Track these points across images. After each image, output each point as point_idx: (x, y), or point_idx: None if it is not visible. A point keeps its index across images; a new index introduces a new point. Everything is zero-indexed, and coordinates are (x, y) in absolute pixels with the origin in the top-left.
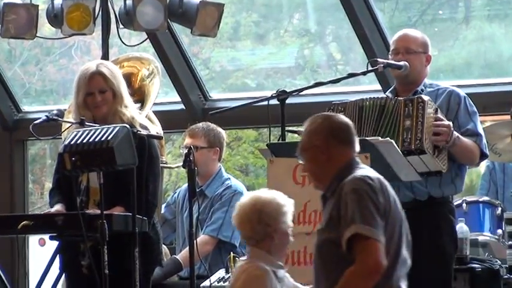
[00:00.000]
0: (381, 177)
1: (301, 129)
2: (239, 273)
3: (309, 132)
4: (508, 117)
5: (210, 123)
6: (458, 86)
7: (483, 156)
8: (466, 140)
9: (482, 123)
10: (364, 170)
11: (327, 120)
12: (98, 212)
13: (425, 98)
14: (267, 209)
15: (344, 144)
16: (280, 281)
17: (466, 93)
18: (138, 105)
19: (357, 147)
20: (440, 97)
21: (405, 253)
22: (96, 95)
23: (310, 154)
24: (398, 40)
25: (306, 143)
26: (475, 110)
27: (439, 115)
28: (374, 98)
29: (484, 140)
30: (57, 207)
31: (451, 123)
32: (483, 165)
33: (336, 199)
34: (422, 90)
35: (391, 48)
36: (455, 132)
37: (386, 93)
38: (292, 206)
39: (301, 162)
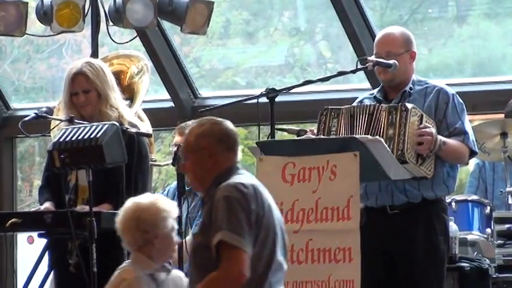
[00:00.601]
0: (257, 184)
1: (292, 127)
2: (113, 277)
3: (197, 135)
4: (501, 116)
5: None
6: (450, 85)
7: (472, 153)
8: (452, 143)
9: (471, 122)
10: (241, 177)
11: (217, 126)
12: (87, 209)
13: (409, 106)
14: (145, 215)
15: (229, 151)
16: (160, 284)
17: (457, 92)
18: (128, 102)
19: (239, 156)
20: (429, 96)
21: (281, 258)
22: (80, 94)
23: (196, 156)
24: (379, 43)
25: (193, 145)
26: (464, 107)
27: (424, 122)
28: (364, 105)
29: (472, 137)
30: (46, 205)
31: (435, 130)
32: (472, 163)
33: (209, 205)
34: (411, 88)
35: (374, 51)
36: (440, 138)
37: (375, 92)
38: (176, 209)
39: (182, 162)
